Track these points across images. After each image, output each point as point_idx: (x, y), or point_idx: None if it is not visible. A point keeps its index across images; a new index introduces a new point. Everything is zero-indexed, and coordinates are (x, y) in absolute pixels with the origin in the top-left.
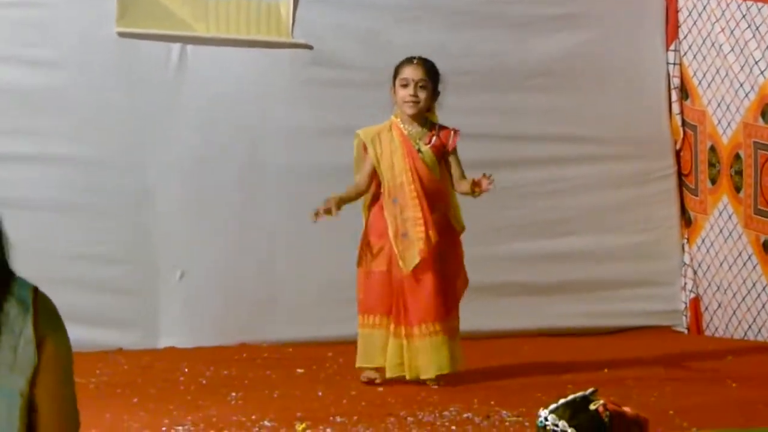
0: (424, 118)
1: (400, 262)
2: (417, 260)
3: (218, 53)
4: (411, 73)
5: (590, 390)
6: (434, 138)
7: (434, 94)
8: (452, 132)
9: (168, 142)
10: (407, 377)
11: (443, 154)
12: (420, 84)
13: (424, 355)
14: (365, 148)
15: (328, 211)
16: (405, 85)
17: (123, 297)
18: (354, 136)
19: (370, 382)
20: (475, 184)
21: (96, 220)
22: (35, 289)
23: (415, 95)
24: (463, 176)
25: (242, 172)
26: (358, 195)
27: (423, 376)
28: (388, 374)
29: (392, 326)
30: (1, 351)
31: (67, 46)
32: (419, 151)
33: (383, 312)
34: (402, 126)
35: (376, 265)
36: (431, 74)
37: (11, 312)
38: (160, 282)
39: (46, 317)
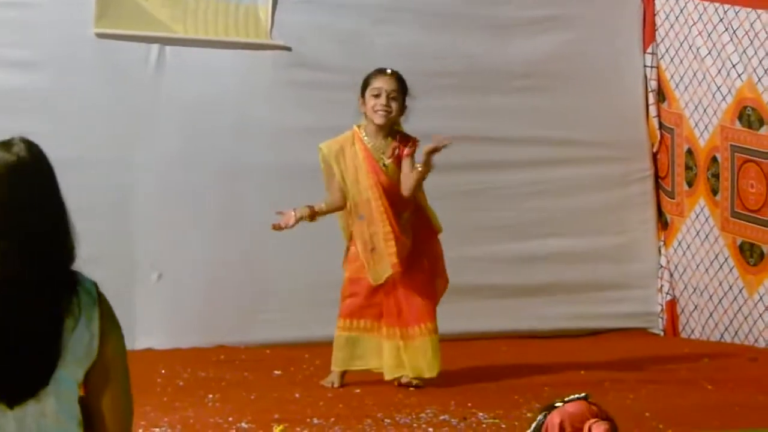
0: (390, 129)
1: (370, 276)
2: (388, 273)
3: (198, 54)
4: (384, 83)
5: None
6: (396, 150)
7: (402, 107)
8: (411, 141)
9: (147, 142)
10: (410, 375)
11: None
12: (392, 95)
13: (425, 353)
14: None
15: (278, 228)
16: (377, 95)
17: None
18: (317, 150)
19: (332, 386)
20: (429, 151)
21: (73, 221)
22: (96, 284)
23: (387, 105)
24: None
25: (222, 173)
26: (334, 210)
27: (427, 375)
28: (387, 376)
29: (385, 329)
30: (73, 342)
31: (47, 47)
32: (384, 165)
33: (373, 316)
34: (365, 139)
35: (365, 272)
36: (403, 87)
37: (83, 299)
38: (137, 283)
39: (109, 314)
